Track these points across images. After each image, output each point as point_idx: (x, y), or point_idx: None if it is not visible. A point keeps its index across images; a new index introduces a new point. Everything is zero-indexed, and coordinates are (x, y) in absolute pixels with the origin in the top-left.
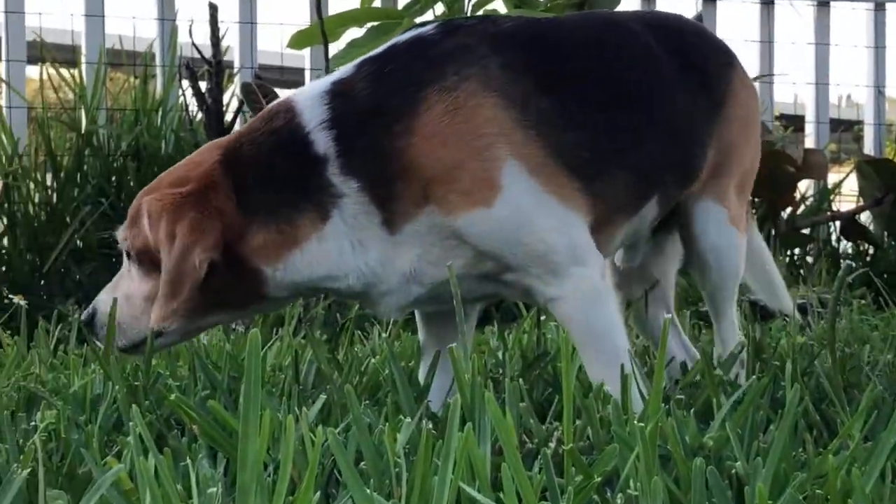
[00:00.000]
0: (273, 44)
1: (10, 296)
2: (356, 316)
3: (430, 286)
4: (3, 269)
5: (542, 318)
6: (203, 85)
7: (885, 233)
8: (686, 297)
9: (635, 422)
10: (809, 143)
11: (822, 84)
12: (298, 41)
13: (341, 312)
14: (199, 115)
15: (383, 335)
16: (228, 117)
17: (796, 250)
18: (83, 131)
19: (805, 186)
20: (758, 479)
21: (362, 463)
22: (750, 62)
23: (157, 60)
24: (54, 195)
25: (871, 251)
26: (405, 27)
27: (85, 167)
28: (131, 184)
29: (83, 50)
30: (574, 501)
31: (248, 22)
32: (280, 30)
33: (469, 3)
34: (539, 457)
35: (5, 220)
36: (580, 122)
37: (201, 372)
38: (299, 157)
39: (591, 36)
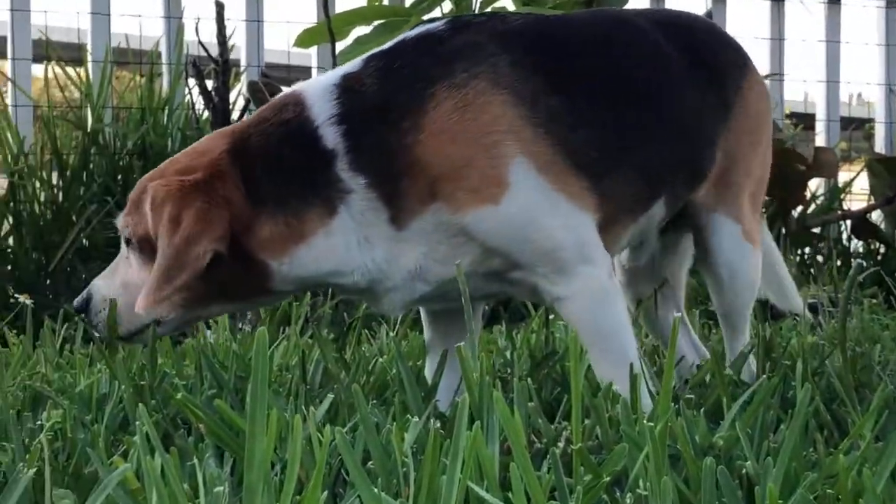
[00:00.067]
0: (280, 42)
1: (16, 295)
2: (363, 315)
3: (435, 284)
4: (9, 268)
5: (551, 317)
6: (209, 83)
7: None
8: (695, 297)
9: (645, 421)
10: (820, 141)
11: (832, 82)
12: (305, 39)
13: (349, 311)
14: (206, 114)
15: (391, 334)
16: (235, 116)
17: (807, 249)
18: (89, 130)
19: (815, 185)
20: (768, 479)
21: (370, 462)
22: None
23: (164, 59)
24: (60, 194)
25: (882, 250)
26: (412, 25)
27: (91, 166)
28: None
29: (89, 48)
30: (583, 501)
31: (255, 20)
32: (287, 28)
33: (477, 0)
34: (548, 456)
35: (11, 219)
36: (589, 120)
37: (208, 371)
38: (308, 150)
39: (600, 34)
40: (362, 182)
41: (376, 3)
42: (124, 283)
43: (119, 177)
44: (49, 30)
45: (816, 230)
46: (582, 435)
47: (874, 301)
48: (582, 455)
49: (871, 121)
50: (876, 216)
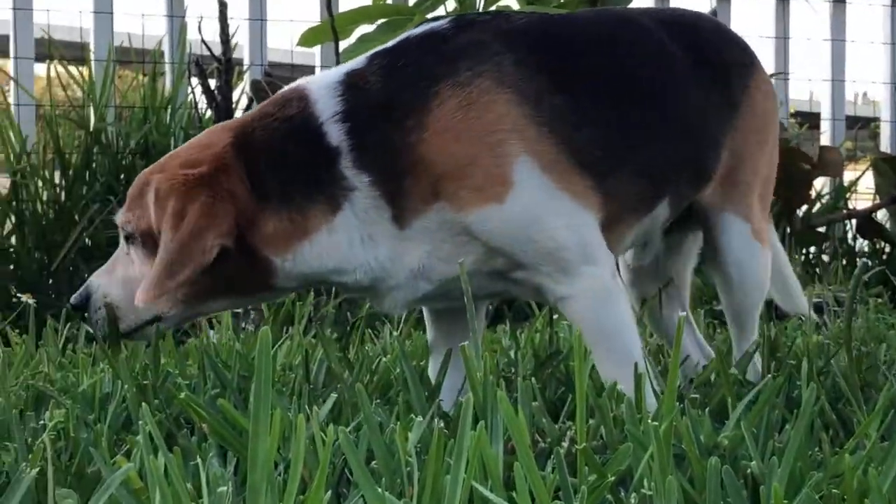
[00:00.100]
0: (283, 41)
1: (19, 294)
2: (367, 314)
3: (438, 283)
4: (12, 267)
5: (555, 316)
6: (212, 82)
7: None
8: (700, 297)
9: (649, 421)
10: (825, 140)
11: (837, 81)
12: (309, 38)
13: (352, 311)
14: (209, 113)
15: (394, 334)
16: (238, 115)
17: (812, 249)
18: (92, 129)
19: (820, 184)
20: (773, 479)
21: (373, 462)
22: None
23: (167, 58)
24: (63, 193)
25: (887, 249)
26: (416, 23)
27: (93, 165)
28: None
29: (92, 47)
30: (587, 501)
31: (259, 19)
32: (290, 27)
33: None
34: (552, 456)
35: (13, 218)
36: (593, 119)
37: (211, 371)
38: (312, 147)
39: (604, 32)
40: (366, 180)
41: (380, 2)
42: (125, 279)
43: (122, 176)
44: (51, 28)
45: (821, 229)
46: (586, 434)
47: (879, 300)
48: (586, 455)
49: (876, 120)
50: (881, 215)
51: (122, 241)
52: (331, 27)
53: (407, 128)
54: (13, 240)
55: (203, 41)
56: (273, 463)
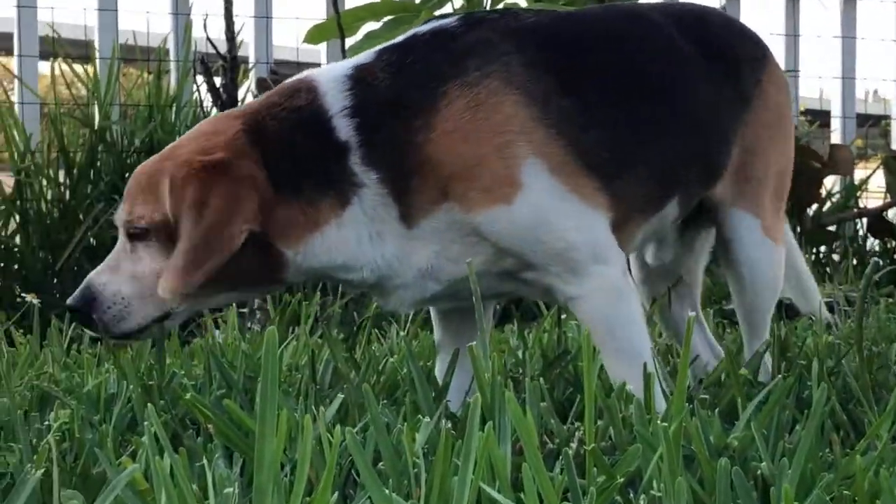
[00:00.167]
0: (289, 38)
1: (23, 294)
2: (374, 314)
3: (447, 283)
4: (16, 266)
5: (563, 316)
6: (218, 80)
7: None
8: (709, 296)
9: (659, 421)
10: (835, 138)
11: (848, 78)
12: (315, 35)
13: (358, 311)
14: (214, 111)
15: (401, 334)
16: None
17: (822, 248)
18: (96, 127)
19: (831, 182)
20: (784, 480)
21: (380, 463)
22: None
23: (172, 55)
24: (67, 192)
25: None
26: (423, 20)
27: (98, 163)
28: None
29: (96, 45)
30: (596, 503)
31: (264, 16)
32: (296, 24)
33: None
34: (560, 457)
35: (18, 217)
36: (601, 120)
37: (217, 371)
38: (322, 140)
39: (613, 29)
40: (374, 177)
41: None
42: (134, 277)
43: (127, 175)
44: (56, 26)
45: (832, 228)
46: (595, 435)
47: (890, 300)
48: (595, 456)
49: (887, 117)
50: (892, 214)
51: (123, 239)
52: (337, 24)
53: (415, 127)
54: (17, 239)
55: (208, 39)
56: (279, 464)
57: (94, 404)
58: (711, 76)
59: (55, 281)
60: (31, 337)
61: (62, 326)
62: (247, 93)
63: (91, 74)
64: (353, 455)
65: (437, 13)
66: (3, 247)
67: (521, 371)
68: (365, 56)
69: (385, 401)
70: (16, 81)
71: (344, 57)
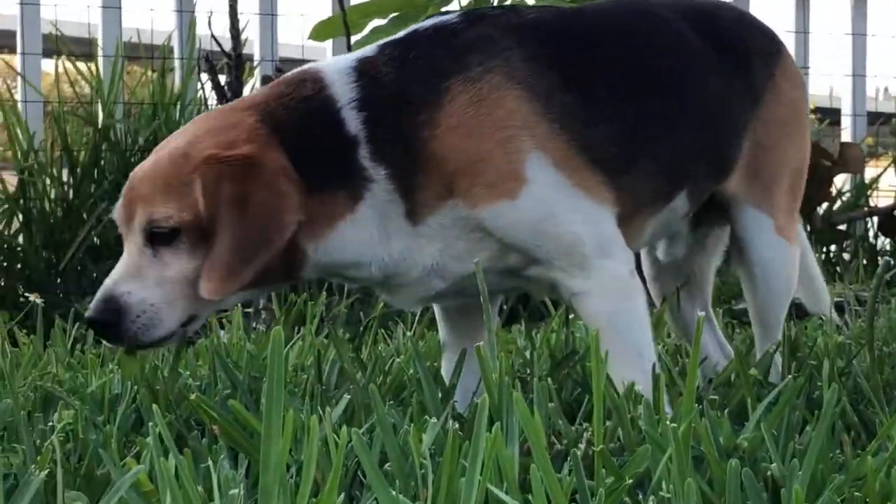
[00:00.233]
0: (294, 36)
1: (26, 294)
2: (380, 314)
3: (452, 280)
4: (19, 266)
5: (571, 316)
6: (222, 78)
7: None
8: (719, 296)
9: (668, 422)
10: (846, 136)
11: (859, 76)
12: (320, 32)
13: (364, 311)
14: None
15: (408, 334)
16: None
17: (832, 247)
18: (100, 126)
19: (841, 181)
20: (794, 482)
21: (387, 464)
22: None
23: (176, 53)
24: (71, 191)
25: None
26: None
27: (102, 162)
28: None
29: (100, 43)
30: None
31: (269, 13)
32: (301, 21)
33: None
34: (569, 458)
35: (21, 217)
36: (606, 115)
37: (222, 371)
38: (332, 132)
39: (618, 24)
40: (383, 173)
41: None
42: (160, 282)
43: (130, 174)
44: (59, 24)
45: (842, 227)
46: (603, 436)
47: None
48: (603, 457)
49: None
50: None
51: (140, 242)
52: (342, 21)
53: (419, 123)
54: (21, 238)
55: (213, 36)
56: (285, 465)
57: (98, 405)
58: (720, 70)
59: (59, 280)
60: (35, 337)
61: (66, 326)
62: (252, 91)
63: (94, 72)
64: (359, 456)
65: (443, 10)
66: (6, 246)
67: (528, 371)
68: (367, 50)
69: (391, 401)
70: (19, 79)
71: None
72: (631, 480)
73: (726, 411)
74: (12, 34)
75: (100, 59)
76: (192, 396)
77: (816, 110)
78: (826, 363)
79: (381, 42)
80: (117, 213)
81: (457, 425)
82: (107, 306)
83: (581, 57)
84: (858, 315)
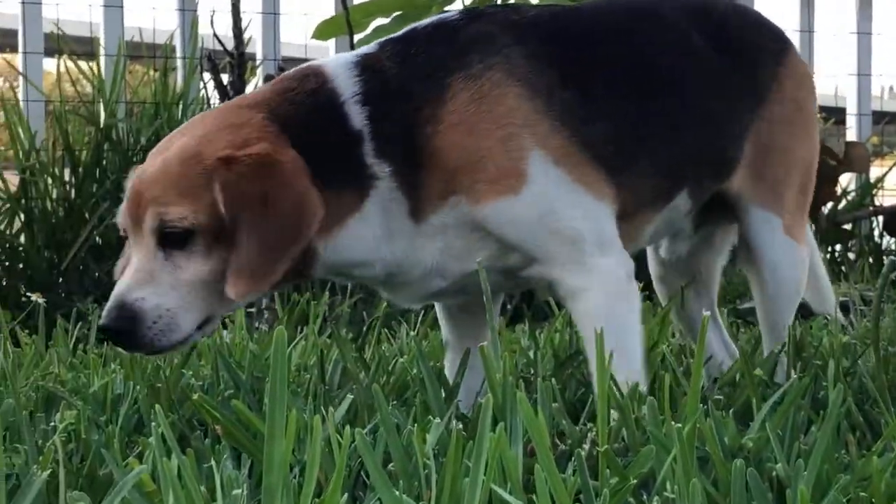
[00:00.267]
0: (297, 35)
1: (28, 294)
2: (383, 314)
3: (452, 280)
4: (21, 266)
5: None
6: (225, 77)
7: None
8: (723, 296)
9: (672, 422)
10: (851, 135)
11: (864, 75)
12: (323, 31)
13: (368, 310)
14: None
15: (411, 333)
16: None
17: (837, 246)
18: (102, 125)
19: (846, 180)
20: (800, 482)
21: (391, 464)
22: None
23: (178, 52)
24: (72, 190)
25: None
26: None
27: (104, 162)
28: None
29: (102, 42)
30: None
31: (272, 12)
32: (304, 20)
33: None
34: (573, 458)
35: (22, 216)
36: (606, 113)
37: (224, 371)
38: (337, 127)
39: (619, 22)
40: (387, 170)
41: None
42: (174, 286)
43: None
44: (61, 23)
45: (847, 227)
46: (608, 436)
47: None
48: (608, 457)
49: None
50: None
51: (151, 246)
52: (345, 20)
53: (421, 119)
54: (22, 238)
55: (215, 35)
56: (288, 465)
57: (100, 405)
58: (722, 69)
59: (60, 280)
60: (37, 337)
61: (68, 326)
62: (254, 90)
63: (96, 72)
64: (362, 456)
65: (446, 9)
66: (7, 246)
67: (532, 371)
68: (368, 47)
69: (395, 401)
70: (20, 79)
71: None
72: (635, 481)
73: (731, 411)
74: (14, 33)
75: (102, 59)
76: (195, 396)
77: (821, 109)
78: (831, 363)
79: (382, 39)
80: (123, 216)
81: (460, 425)
82: (121, 313)
83: (581, 55)
84: (864, 315)
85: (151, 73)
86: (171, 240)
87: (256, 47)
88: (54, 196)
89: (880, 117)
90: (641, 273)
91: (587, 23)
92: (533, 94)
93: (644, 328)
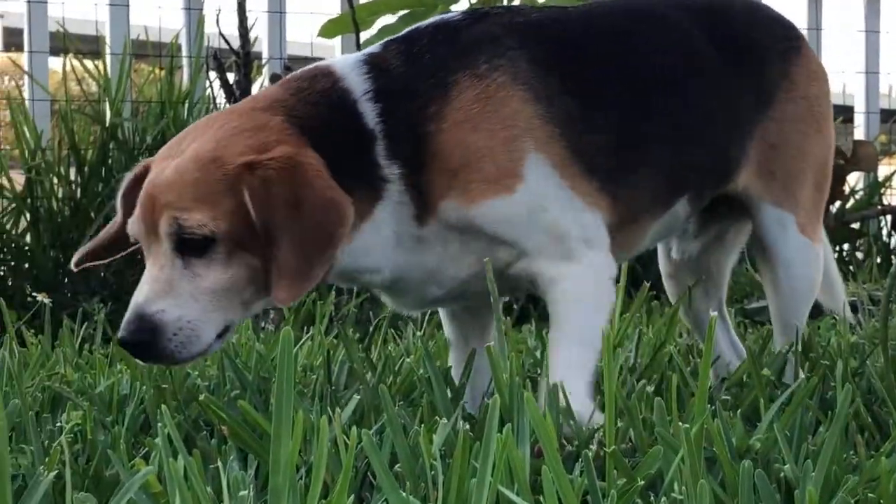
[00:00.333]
0: (303, 34)
1: (34, 293)
2: (390, 314)
3: (448, 287)
4: (27, 266)
5: None
6: (231, 76)
7: None
8: (731, 295)
9: (680, 423)
10: (859, 134)
11: (872, 73)
12: (329, 29)
13: (374, 311)
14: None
15: (418, 334)
16: None
17: (845, 245)
18: (107, 124)
19: (854, 179)
20: (808, 483)
21: (397, 465)
22: None
23: (184, 51)
24: (78, 190)
25: None
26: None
27: (109, 161)
28: None
29: (107, 41)
30: None
31: (278, 11)
32: (310, 19)
33: None
34: (580, 459)
35: (28, 216)
36: (605, 121)
37: (231, 372)
38: (352, 126)
39: (619, 27)
40: (397, 172)
41: None
42: (194, 296)
43: None
44: (66, 22)
45: (855, 226)
46: (615, 437)
47: None
48: (615, 458)
49: None
50: None
51: (169, 254)
52: (352, 18)
53: (427, 116)
54: (28, 238)
55: (221, 34)
56: (295, 466)
57: (106, 405)
58: (726, 73)
59: (66, 280)
60: (43, 337)
61: (74, 326)
62: (260, 89)
63: (102, 71)
64: (369, 457)
65: (452, 8)
66: (13, 245)
67: (539, 371)
68: (372, 48)
69: (401, 402)
70: (26, 78)
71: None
72: (643, 482)
73: (739, 412)
74: (19, 32)
75: (107, 57)
76: (202, 397)
77: None
78: (839, 363)
79: (385, 40)
80: (135, 225)
81: (467, 426)
82: (140, 326)
83: (582, 62)
84: (872, 314)
85: (157, 71)
86: (189, 247)
87: (262, 46)
88: (60, 195)
89: (888, 115)
90: (649, 272)
91: (590, 28)
92: (535, 99)
93: (652, 327)
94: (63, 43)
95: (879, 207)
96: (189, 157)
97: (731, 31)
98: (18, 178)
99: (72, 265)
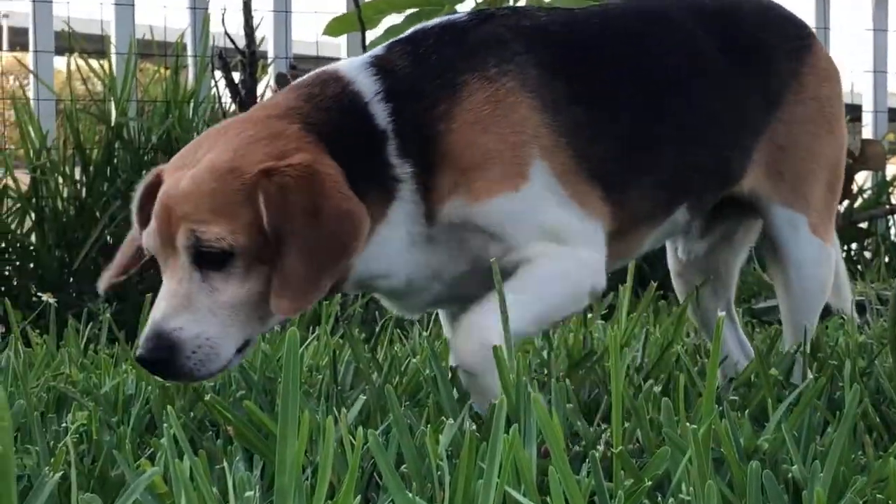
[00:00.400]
0: (308, 33)
1: (39, 293)
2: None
3: (448, 285)
4: (32, 265)
5: (589, 316)
6: (236, 76)
7: None
8: (739, 295)
9: (687, 423)
10: (867, 133)
11: (880, 72)
12: (335, 28)
13: (380, 311)
14: (232, 107)
15: (424, 334)
16: None
17: (853, 245)
18: (113, 124)
19: (862, 178)
20: (816, 484)
21: (403, 466)
22: None
23: (189, 50)
24: (83, 189)
25: None
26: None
27: (115, 161)
28: None
29: (113, 40)
30: None
31: (283, 10)
32: (315, 18)
33: None
34: (587, 460)
35: (33, 216)
36: (609, 131)
37: (236, 372)
38: (365, 129)
39: (628, 30)
40: (408, 171)
41: None
42: (213, 311)
43: (143, 172)
44: (72, 21)
45: (863, 225)
46: (622, 437)
47: None
48: (623, 458)
49: None
50: None
51: (187, 268)
52: (357, 17)
53: (436, 116)
54: (33, 237)
55: (227, 33)
56: (301, 466)
57: (112, 406)
58: (733, 73)
59: (71, 280)
60: (48, 337)
61: (79, 326)
62: (265, 88)
63: (107, 70)
64: (375, 457)
65: (458, 8)
66: (18, 245)
67: (546, 372)
68: (376, 50)
69: (408, 402)
70: (31, 77)
71: (364, 51)
72: (650, 482)
73: (747, 412)
74: (24, 32)
75: (112, 57)
76: (207, 397)
77: None
78: (847, 363)
79: (388, 42)
80: (151, 238)
81: (474, 426)
82: (158, 344)
83: (588, 69)
84: (880, 314)
85: (162, 71)
86: (207, 260)
87: (268, 45)
88: (65, 195)
89: None
90: (657, 272)
91: (596, 34)
92: (543, 106)
93: (659, 327)
94: (68, 42)
95: (888, 206)
96: (206, 167)
97: (738, 34)
98: (24, 178)
99: (100, 291)
